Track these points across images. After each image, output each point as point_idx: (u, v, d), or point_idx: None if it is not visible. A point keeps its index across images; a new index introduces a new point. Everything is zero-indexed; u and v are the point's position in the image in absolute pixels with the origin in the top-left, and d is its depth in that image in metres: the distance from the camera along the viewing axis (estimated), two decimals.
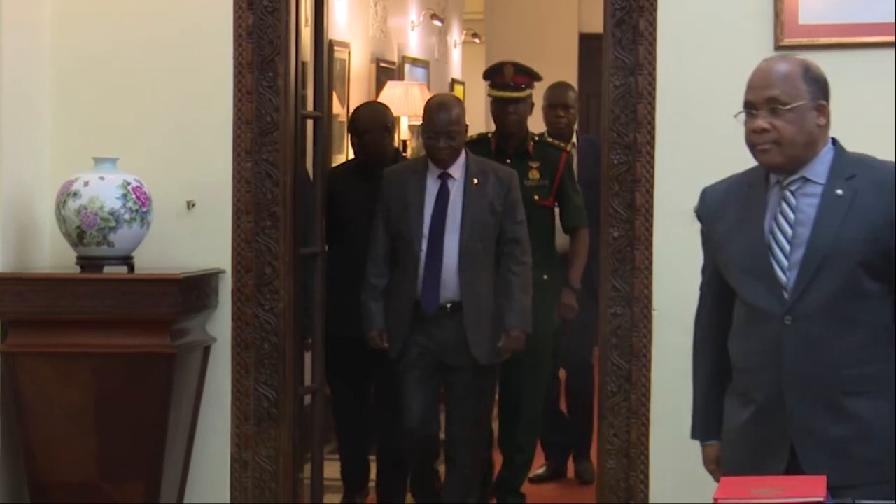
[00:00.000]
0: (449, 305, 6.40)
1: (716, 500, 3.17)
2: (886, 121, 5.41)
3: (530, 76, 7.22)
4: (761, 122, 3.62)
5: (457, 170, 6.38)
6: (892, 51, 5.53)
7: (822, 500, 3.07)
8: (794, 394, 3.64)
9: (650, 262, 5.58)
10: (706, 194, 4.09)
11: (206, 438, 6.07)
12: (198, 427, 6.05)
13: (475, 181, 6.33)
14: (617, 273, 5.59)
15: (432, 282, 6.30)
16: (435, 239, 6.32)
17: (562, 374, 9.11)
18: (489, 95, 7.28)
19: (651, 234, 5.58)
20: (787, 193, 3.70)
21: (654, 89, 5.62)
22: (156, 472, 5.74)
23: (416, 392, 6.38)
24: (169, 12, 6.05)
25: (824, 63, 5.48)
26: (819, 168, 3.72)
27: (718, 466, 4.09)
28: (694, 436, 4.26)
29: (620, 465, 5.63)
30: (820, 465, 3.53)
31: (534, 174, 7.05)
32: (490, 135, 7.35)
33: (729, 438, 3.98)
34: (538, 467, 8.79)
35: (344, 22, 8.98)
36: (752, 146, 3.75)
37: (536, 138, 7.33)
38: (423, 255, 6.30)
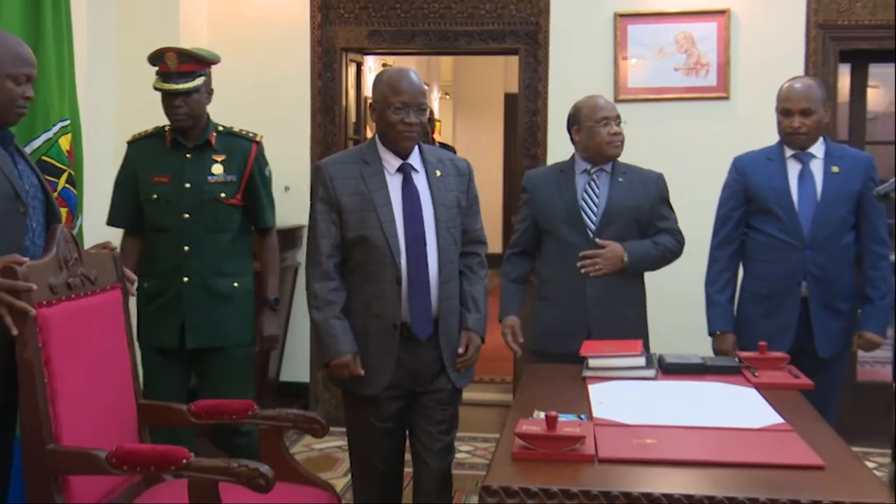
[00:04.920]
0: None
1: (581, 354, 3.23)
2: (679, 150, 5.44)
3: (199, 62, 3.76)
4: None
5: (416, 160, 3.30)
6: (680, 103, 5.56)
7: (639, 353, 3.17)
8: (594, 303, 3.65)
9: None
10: (530, 176, 3.97)
11: (295, 327, 6.01)
12: (290, 317, 6.00)
13: (438, 173, 3.30)
14: None
15: (423, 301, 3.21)
16: (414, 247, 3.21)
17: None
18: (154, 87, 3.76)
19: None
20: (594, 177, 3.72)
21: (545, 123, 5.71)
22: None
23: (388, 443, 3.30)
24: (273, 79, 6.01)
25: (644, 110, 5.62)
26: (606, 166, 3.74)
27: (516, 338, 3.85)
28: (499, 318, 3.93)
29: None
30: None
31: (217, 169, 3.76)
32: (165, 128, 3.85)
33: (541, 331, 3.82)
34: None
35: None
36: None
37: (221, 128, 3.88)
38: (405, 268, 3.17)
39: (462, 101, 12.34)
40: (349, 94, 6.25)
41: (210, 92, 3.83)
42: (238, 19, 6.06)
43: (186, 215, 3.69)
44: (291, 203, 5.99)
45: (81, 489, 2.59)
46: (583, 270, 3.67)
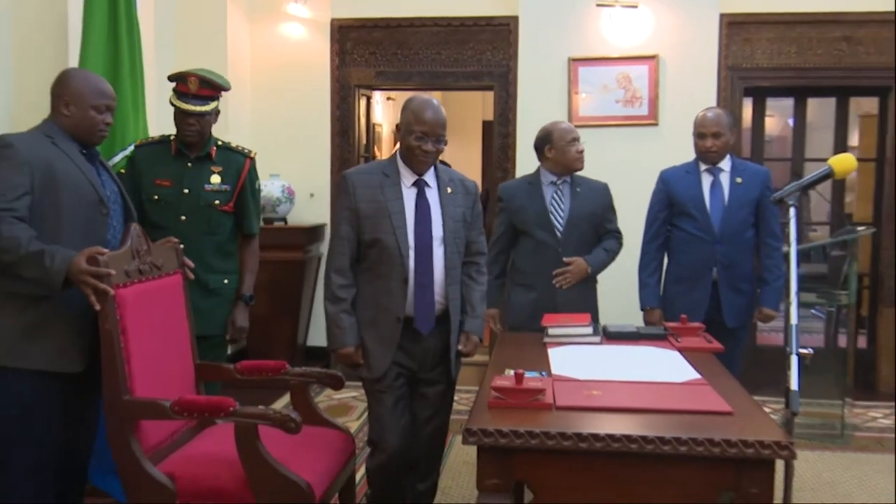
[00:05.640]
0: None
1: (543, 325, 3.20)
2: (619, 166, 5.39)
3: (215, 88, 3.39)
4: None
5: (430, 177, 2.98)
6: (620, 129, 5.56)
7: (588, 323, 3.15)
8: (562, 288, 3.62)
9: None
10: (504, 187, 3.85)
11: (320, 303, 5.88)
12: (315, 293, 5.98)
13: (449, 190, 3.00)
14: None
15: (426, 300, 2.92)
16: (422, 251, 2.90)
17: None
18: (171, 103, 3.36)
19: None
20: (559, 188, 3.67)
21: (514, 144, 5.69)
22: (295, 314, 5.75)
23: (396, 416, 2.98)
24: (302, 109, 5.98)
25: (591, 135, 5.52)
26: (567, 179, 3.69)
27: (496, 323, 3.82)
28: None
29: None
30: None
31: (215, 179, 3.39)
32: (171, 137, 3.44)
33: (519, 310, 3.71)
34: None
35: (380, 113, 8.60)
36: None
37: (220, 143, 3.48)
38: (412, 269, 2.88)
39: (448, 127, 12.17)
40: (361, 121, 6.25)
41: (217, 113, 3.46)
42: (275, 65, 6.06)
43: (183, 217, 3.35)
44: (315, 206, 6.04)
45: (150, 431, 2.58)
46: (556, 284, 3.63)
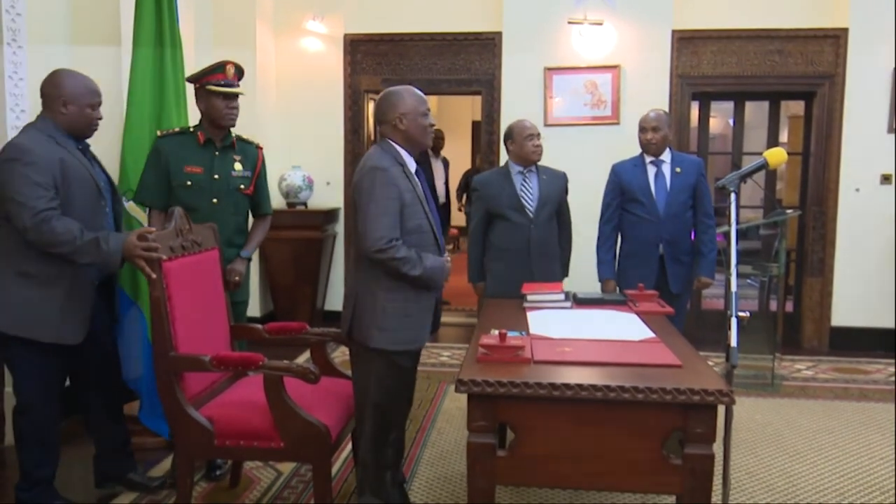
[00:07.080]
0: None
1: (522, 292, 3.11)
2: (587, 159, 5.32)
3: (241, 76, 3.23)
4: None
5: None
6: (587, 128, 5.50)
7: (560, 290, 3.08)
8: (536, 259, 3.54)
9: None
10: (479, 178, 3.71)
11: (335, 272, 5.96)
12: (332, 266, 5.95)
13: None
14: None
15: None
16: (438, 228, 2.60)
17: None
18: (210, 90, 3.11)
19: None
20: (527, 177, 3.58)
21: (499, 140, 5.48)
22: (314, 284, 5.68)
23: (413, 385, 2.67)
24: (320, 111, 5.89)
25: (563, 133, 5.53)
26: (533, 168, 3.60)
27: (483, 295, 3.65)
28: (471, 279, 3.75)
29: None
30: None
31: (238, 166, 3.20)
32: (191, 128, 3.22)
33: (497, 281, 3.58)
34: None
35: None
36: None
37: (235, 136, 3.27)
38: (443, 245, 2.61)
39: (443, 126, 12.14)
40: (369, 121, 6.14)
41: None
42: (296, 73, 5.98)
43: (214, 200, 3.16)
44: (331, 193, 5.98)
45: (192, 381, 2.57)
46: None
